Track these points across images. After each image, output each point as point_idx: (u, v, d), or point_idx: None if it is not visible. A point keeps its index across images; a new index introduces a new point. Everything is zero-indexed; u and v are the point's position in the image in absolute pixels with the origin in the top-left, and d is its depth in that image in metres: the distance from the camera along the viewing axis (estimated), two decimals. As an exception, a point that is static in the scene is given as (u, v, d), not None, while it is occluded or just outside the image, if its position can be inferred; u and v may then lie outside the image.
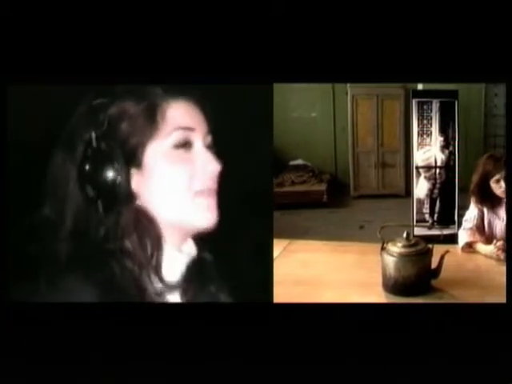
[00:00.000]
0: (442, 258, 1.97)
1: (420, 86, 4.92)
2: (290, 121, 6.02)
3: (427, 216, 4.53)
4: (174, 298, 1.20)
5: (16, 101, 1.64)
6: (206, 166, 1.20)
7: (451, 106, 4.49)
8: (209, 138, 1.23)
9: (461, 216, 2.68)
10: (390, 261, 1.94)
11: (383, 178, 6.02)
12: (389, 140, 5.97)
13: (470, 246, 2.42)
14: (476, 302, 1.85)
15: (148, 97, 1.19)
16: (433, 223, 4.42)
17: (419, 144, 4.54)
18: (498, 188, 2.43)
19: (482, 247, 2.38)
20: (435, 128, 4.51)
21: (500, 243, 2.30)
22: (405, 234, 1.96)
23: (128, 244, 1.16)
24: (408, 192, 5.11)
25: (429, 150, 4.53)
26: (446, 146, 4.51)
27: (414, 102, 4.54)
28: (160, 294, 1.17)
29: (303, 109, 6.22)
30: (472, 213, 2.54)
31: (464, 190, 2.79)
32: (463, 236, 2.45)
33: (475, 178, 2.51)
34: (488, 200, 2.49)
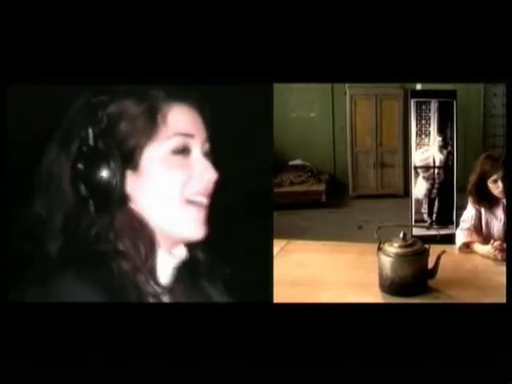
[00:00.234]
0: (438, 258, 1.97)
1: (418, 86, 4.92)
2: (288, 121, 6.02)
3: (426, 216, 4.53)
4: (167, 299, 1.19)
5: (16, 101, 1.64)
6: (202, 174, 1.19)
7: (450, 106, 4.50)
8: (207, 146, 1.22)
9: (459, 216, 2.68)
10: (387, 261, 1.94)
11: (382, 178, 6.02)
12: (387, 140, 5.98)
13: (467, 246, 2.42)
14: (476, 302, 1.85)
15: (149, 98, 1.17)
16: (431, 223, 4.42)
17: (417, 144, 4.54)
18: (496, 188, 2.43)
19: (479, 247, 2.38)
20: (434, 128, 4.52)
21: (497, 243, 2.30)
22: (401, 235, 1.96)
23: (121, 246, 1.14)
24: (407, 192, 5.12)
25: (427, 150, 4.53)
26: (444, 146, 4.52)
27: (412, 102, 4.54)
28: (155, 295, 1.16)
29: (302, 109, 6.22)
30: (469, 213, 2.55)
31: (462, 190, 2.79)
32: (460, 236, 2.46)
33: (473, 178, 2.51)
34: (485, 200, 2.50)
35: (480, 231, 2.51)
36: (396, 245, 1.95)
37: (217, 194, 1.22)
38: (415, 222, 4.48)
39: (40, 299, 1.10)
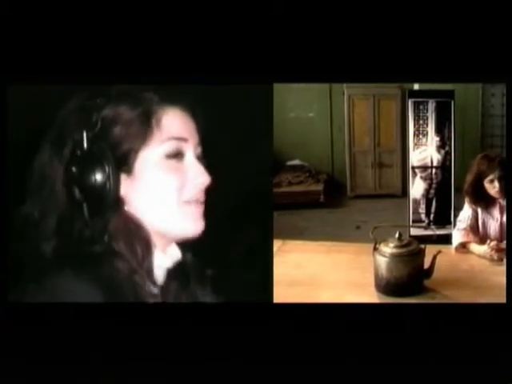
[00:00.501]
0: (434, 258, 1.98)
1: (416, 86, 4.92)
2: (286, 121, 6.01)
3: (423, 216, 4.54)
4: (159, 299, 1.20)
5: (16, 101, 1.64)
6: (196, 178, 1.19)
7: (447, 106, 4.50)
8: (199, 149, 1.23)
9: (456, 216, 2.68)
10: (382, 261, 1.94)
11: (380, 178, 6.01)
12: (385, 140, 5.97)
13: (463, 247, 2.42)
14: (474, 302, 1.86)
15: (144, 103, 1.18)
16: (429, 223, 4.43)
17: (415, 144, 4.55)
18: (492, 188, 2.43)
19: (475, 247, 2.38)
20: (431, 128, 4.52)
21: (494, 243, 2.30)
22: (397, 235, 1.96)
23: (117, 247, 1.15)
24: (405, 192, 5.11)
25: (425, 150, 4.53)
26: (442, 146, 4.52)
27: (410, 102, 4.55)
28: (152, 295, 1.17)
29: (300, 109, 6.21)
30: (466, 213, 2.55)
31: (460, 191, 2.79)
32: (457, 236, 2.46)
33: (469, 178, 2.51)
34: (482, 200, 2.50)
35: (477, 231, 2.51)
36: (391, 245, 1.95)
37: (216, 195, 1.23)
38: (413, 222, 4.48)
39: (39, 299, 1.11)
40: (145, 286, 1.16)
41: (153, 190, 1.17)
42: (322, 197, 5.66)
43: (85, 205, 1.14)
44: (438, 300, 1.92)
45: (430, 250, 2.02)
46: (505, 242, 2.31)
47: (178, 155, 1.18)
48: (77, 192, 1.14)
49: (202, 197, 1.21)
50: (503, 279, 1.98)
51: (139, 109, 1.17)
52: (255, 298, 1.67)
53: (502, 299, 1.81)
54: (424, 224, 4.41)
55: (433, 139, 4.52)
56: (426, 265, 1.98)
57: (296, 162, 6.16)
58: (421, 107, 4.52)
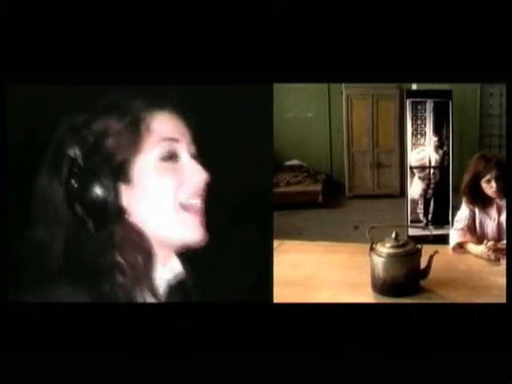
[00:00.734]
0: (430, 258, 1.97)
1: (414, 86, 4.92)
2: (285, 121, 6.01)
3: (421, 216, 4.54)
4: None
5: (16, 101, 1.64)
6: (193, 177, 1.20)
7: (445, 106, 4.50)
8: (193, 148, 1.23)
9: (454, 216, 2.67)
10: (379, 261, 1.94)
11: (378, 178, 6.01)
12: (384, 140, 5.97)
13: (461, 247, 2.41)
14: (472, 302, 1.85)
15: (131, 111, 1.19)
16: (427, 223, 4.42)
17: (413, 144, 4.54)
18: (489, 188, 2.42)
19: (472, 247, 2.37)
20: (429, 128, 4.52)
21: (491, 243, 2.30)
22: (393, 235, 1.96)
23: (120, 259, 1.16)
24: (403, 192, 5.10)
25: (423, 150, 4.53)
26: (440, 146, 4.52)
27: (408, 102, 4.54)
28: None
29: (299, 109, 6.21)
30: (463, 213, 2.54)
31: (458, 191, 2.78)
32: (454, 236, 2.45)
33: (466, 177, 2.50)
34: (479, 200, 2.49)
35: (474, 231, 2.51)
36: (388, 245, 1.95)
37: (216, 195, 1.22)
38: (411, 222, 4.48)
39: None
40: (145, 298, 1.17)
41: (151, 194, 1.18)
42: (320, 197, 5.66)
43: (89, 220, 1.16)
44: (434, 300, 1.91)
45: (427, 250, 2.01)
46: (502, 242, 2.32)
47: (172, 157, 1.19)
48: (79, 209, 1.15)
49: (201, 198, 1.22)
50: (500, 279, 1.98)
51: (127, 118, 1.18)
52: (255, 298, 1.67)
53: (499, 299, 1.81)
54: (422, 224, 4.40)
55: (431, 139, 4.52)
56: (423, 265, 1.98)
57: (294, 162, 6.16)
58: (419, 107, 4.51)
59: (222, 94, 1.70)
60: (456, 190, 3.95)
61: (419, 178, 4.52)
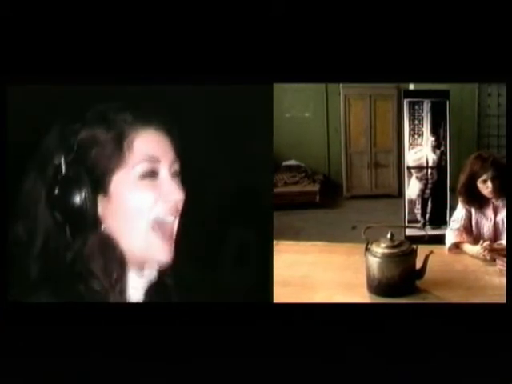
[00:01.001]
0: (426, 258, 1.97)
1: (411, 86, 4.92)
2: (283, 121, 6.01)
3: (419, 216, 4.54)
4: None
5: (16, 101, 1.65)
6: (169, 195, 1.21)
7: (443, 106, 4.50)
8: (175, 166, 1.24)
9: (452, 216, 2.68)
10: (374, 262, 1.94)
11: (376, 178, 6.01)
12: (382, 140, 5.97)
13: (457, 247, 2.41)
14: (468, 302, 1.85)
15: (117, 125, 1.19)
16: (424, 224, 4.42)
17: (411, 144, 4.54)
18: (485, 188, 2.42)
19: (468, 248, 2.37)
20: (426, 128, 4.52)
21: (487, 243, 2.30)
22: (389, 235, 1.96)
23: (94, 267, 1.17)
24: (401, 192, 5.11)
25: (420, 150, 4.53)
26: (437, 146, 4.52)
27: (405, 102, 4.55)
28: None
29: (296, 109, 6.21)
30: (459, 213, 2.54)
31: (455, 191, 2.78)
32: (450, 236, 2.45)
33: (462, 178, 2.50)
34: (475, 200, 2.49)
35: (470, 231, 2.51)
36: (383, 245, 1.95)
37: (216, 195, 1.23)
38: (408, 222, 4.48)
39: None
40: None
41: (127, 210, 1.19)
42: (317, 197, 5.66)
43: (67, 226, 1.18)
44: (429, 300, 1.91)
45: (423, 250, 2.01)
46: (498, 242, 2.33)
47: (151, 174, 1.20)
48: (58, 214, 1.18)
49: (175, 217, 1.23)
50: (496, 279, 1.98)
51: (112, 131, 1.19)
52: (255, 298, 1.67)
53: (495, 299, 1.81)
54: (419, 224, 4.40)
55: (428, 139, 4.52)
56: (418, 265, 1.97)
57: (292, 162, 6.15)
58: (416, 107, 4.52)
59: (222, 94, 1.70)
60: (454, 190, 3.95)
61: (417, 178, 4.52)
